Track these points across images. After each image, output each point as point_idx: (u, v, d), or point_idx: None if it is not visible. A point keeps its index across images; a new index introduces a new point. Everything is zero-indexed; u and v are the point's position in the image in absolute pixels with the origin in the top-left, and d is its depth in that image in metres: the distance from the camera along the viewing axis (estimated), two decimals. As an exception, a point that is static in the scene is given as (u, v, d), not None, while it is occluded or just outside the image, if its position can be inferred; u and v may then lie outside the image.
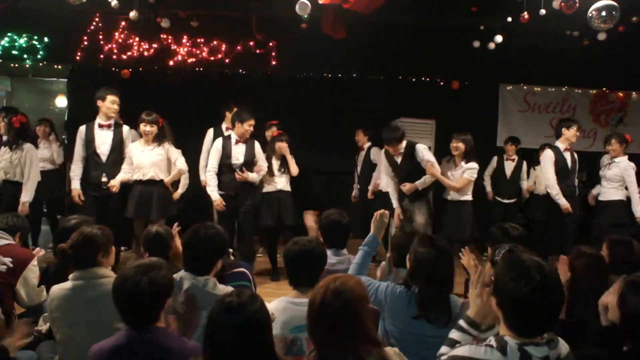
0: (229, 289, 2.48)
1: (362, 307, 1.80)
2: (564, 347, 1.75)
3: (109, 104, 5.03)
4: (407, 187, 5.19)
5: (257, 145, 5.30)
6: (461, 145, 5.24)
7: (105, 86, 5.18)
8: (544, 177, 5.64)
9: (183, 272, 2.50)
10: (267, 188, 5.53)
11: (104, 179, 5.02)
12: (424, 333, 2.34)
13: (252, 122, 5.17)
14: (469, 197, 5.33)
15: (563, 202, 5.39)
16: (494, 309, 1.77)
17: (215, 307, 1.76)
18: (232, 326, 1.70)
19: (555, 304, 1.69)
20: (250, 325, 1.71)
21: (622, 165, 5.43)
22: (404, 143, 5.21)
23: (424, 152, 5.16)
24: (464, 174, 5.22)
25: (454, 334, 1.97)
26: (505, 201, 6.87)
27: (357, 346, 1.73)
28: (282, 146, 5.48)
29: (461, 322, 1.99)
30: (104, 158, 5.08)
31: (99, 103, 5.05)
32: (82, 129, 5.16)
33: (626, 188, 5.40)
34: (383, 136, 5.21)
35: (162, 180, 5.04)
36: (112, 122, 5.13)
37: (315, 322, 1.78)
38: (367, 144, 6.57)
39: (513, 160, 6.87)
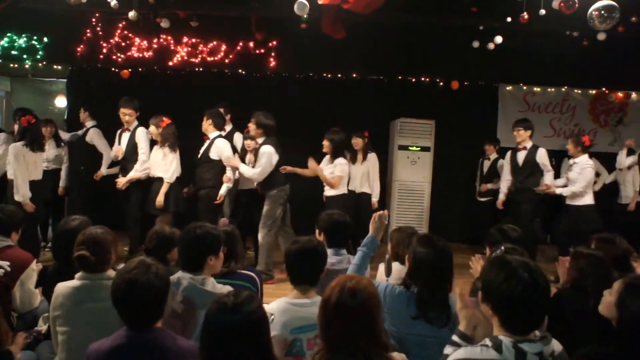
0: (227, 288, 2.48)
1: (377, 307, 1.81)
2: (557, 344, 1.79)
3: (120, 114, 5.62)
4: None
5: (217, 143, 5.40)
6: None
7: (127, 97, 5.66)
8: None
9: (180, 272, 2.50)
10: (244, 186, 5.67)
11: (120, 176, 5.67)
12: (424, 333, 2.34)
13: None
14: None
15: (499, 197, 6.18)
16: (488, 315, 1.79)
17: (211, 307, 1.76)
18: (228, 326, 1.69)
19: (545, 298, 1.75)
20: (247, 326, 1.70)
21: (581, 163, 5.57)
22: (261, 139, 5.36)
23: (262, 158, 5.22)
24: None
25: (448, 350, 1.98)
26: (481, 200, 6.92)
27: (370, 348, 1.73)
28: (247, 144, 5.64)
29: (454, 338, 2.02)
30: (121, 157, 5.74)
31: None
32: (118, 132, 5.86)
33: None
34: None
35: (161, 178, 5.33)
36: (130, 126, 5.67)
37: (329, 322, 1.78)
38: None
39: (489, 159, 6.93)
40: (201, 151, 5.47)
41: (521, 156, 5.91)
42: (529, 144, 5.88)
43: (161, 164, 5.35)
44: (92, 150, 6.33)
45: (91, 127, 6.35)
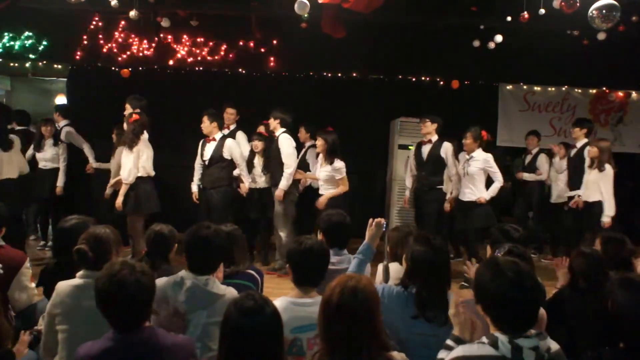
0: (229, 289, 2.48)
1: (377, 306, 1.82)
2: (553, 343, 1.82)
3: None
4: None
5: (227, 143, 5.51)
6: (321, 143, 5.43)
7: (138, 95, 5.42)
8: None
9: (184, 272, 2.50)
10: (250, 184, 5.75)
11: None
12: (424, 332, 2.33)
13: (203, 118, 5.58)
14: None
15: (405, 194, 6.19)
16: (481, 315, 1.82)
17: (232, 311, 1.77)
18: (252, 329, 1.72)
19: (534, 297, 1.78)
20: (269, 327, 1.75)
21: (481, 158, 5.43)
22: (279, 131, 5.64)
23: (282, 146, 5.56)
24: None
25: (442, 354, 1.99)
26: None
27: (372, 347, 1.74)
28: (255, 144, 5.75)
29: (449, 342, 2.03)
30: None
31: None
32: None
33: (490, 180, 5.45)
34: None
35: (140, 178, 5.13)
36: None
37: (331, 322, 1.78)
38: (309, 142, 6.40)
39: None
40: (211, 151, 5.48)
41: (425, 150, 5.83)
42: (434, 138, 5.78)
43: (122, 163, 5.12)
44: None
45: (63, 126, 6.43)
